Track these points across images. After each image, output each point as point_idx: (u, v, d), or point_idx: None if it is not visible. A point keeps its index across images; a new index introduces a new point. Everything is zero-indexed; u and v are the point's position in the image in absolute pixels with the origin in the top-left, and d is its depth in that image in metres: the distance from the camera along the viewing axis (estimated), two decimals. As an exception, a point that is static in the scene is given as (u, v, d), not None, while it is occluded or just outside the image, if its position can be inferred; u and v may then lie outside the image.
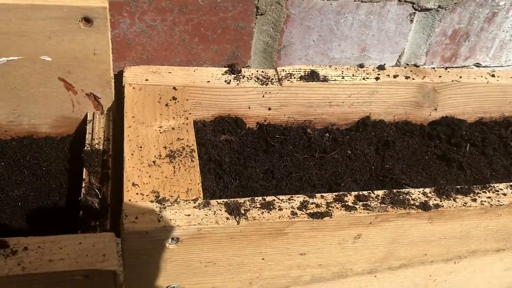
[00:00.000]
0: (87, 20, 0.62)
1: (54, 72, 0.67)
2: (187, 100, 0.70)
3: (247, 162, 0.73)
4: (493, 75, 0.86)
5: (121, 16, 0.69)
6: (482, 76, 0.86)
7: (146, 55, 0.74)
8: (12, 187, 0.65)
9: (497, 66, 0.92)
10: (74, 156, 0.72)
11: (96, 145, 0.68)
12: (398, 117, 0.85)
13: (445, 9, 0.78)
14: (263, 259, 0.60)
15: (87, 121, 0.71)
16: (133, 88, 0.70)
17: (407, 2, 0.76)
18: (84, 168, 0.64)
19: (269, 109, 0.78)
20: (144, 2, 0.68)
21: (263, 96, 0.76)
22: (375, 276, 0.68)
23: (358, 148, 0.79)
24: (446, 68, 0.86)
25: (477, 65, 0.90)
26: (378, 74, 0.80)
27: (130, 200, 0.55)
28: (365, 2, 0.74)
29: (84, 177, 0.63)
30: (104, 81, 0.69)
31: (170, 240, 0.54)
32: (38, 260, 0.47)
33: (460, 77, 0.84)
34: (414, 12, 0.78)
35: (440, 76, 0.83)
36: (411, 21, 0.79)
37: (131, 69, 0.73)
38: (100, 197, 0.61)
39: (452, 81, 0.83)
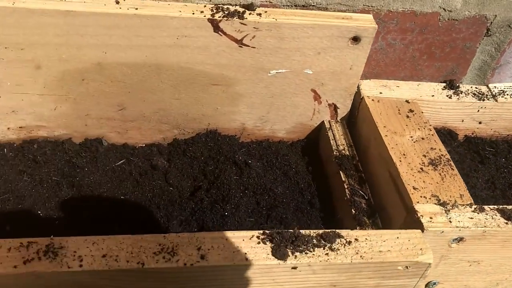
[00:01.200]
0: (355, 39, 0.70)
1: (310, 84, 0.75)
2: (422, 112, 0.76)
3: (468, 172, 0.79)
4: None
5: (375, 38, 0.76)
6: None
7: (376, 70, 0.81)
8: (274, 185, 0.73)
9: None
10: (310, 159, 0.80)
11: (342, 151, 0.75)
12: None
13: None
14: (519, 261, 0.65)
15: (326, 129, 0.79)
16: (372, 100, 0.77)
17: None
18: (341, 172, 0.72)
19: (480, 123, 0.84)
20: (392, 22, 0.75)
21: (478, 110, 0.82)
22: None
23: None
24: None
25: None
26: None
27: (418, 202, 0.61)
28: None
29: (343, 179, 0.70)
30: (348, 93, 0.77)
31: (453, 239, 0.60)
32: (370, 250, 0.54)
33: None
34: None
35: None
36: None
37: (365, 82, 0.80)
38: (366, 198, 0.68)
39: None
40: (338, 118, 0.80)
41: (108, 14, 0.63)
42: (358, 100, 0.79)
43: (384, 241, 0.55)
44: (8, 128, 0.74)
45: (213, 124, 0.78)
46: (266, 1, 0.70)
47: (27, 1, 0.62)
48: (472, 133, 0.85)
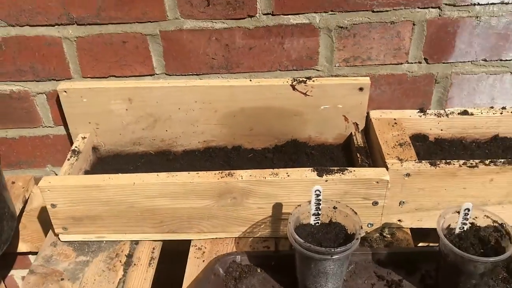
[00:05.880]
0: (361, 89, 1.45)
1: (341, 112, 1.50)
2: (402, 124, 1.48)
3: (431, 155, 1.48)
4: None
5: (374, 88, 1.51)
6: None
7: (378, 105, 1.55)
8: (325, 163, 1.48)
9: None
10: (346, 152, 1.54)
11: (359, 144, 1.48)
12: (516, 134, 1.53)
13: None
14: (445, 189, 1.32)
15: (352, 135, 1.53)
16: (375, 119, 1.50)
17: (516, 73, 1.47)
18: (357, 153, 1.45)
19: (441, 130, 1.53)
20: (382, 79, 1.50)
21: (438, 123, 1.51)
22: (502, 206, 1.35)
23: (492, 150, 1.48)
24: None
25: None
26: (502, 111, 1.50)
27: (388, 159, 1.33)
28: (492, 74, 1.47)
29: (358, 156, 1.43)
30: (362, 116, 1.51)
31: (405, 175, 1.30)
32: (359, 174, 1.26)
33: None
34: (521, 78, 1.49)
35: (540, 111, 1.50)
36: (520, 82, 1.50)
37: (373, 111, 1.54)
38: (368, 163, 1.40)
39: (548, 114, 1.50)
40: (359, 130, 1.54)
41: (248, 86, 1.45)
42: (369, 120, 1.52)
43: (367, 171, 1.27)
44: (198, 142, 1.58)
45: (295, 136, 1.56)
46: (319, 74, 1.49)
47: (210, 81, 1.46)
48: (438, 136, 1.54)
